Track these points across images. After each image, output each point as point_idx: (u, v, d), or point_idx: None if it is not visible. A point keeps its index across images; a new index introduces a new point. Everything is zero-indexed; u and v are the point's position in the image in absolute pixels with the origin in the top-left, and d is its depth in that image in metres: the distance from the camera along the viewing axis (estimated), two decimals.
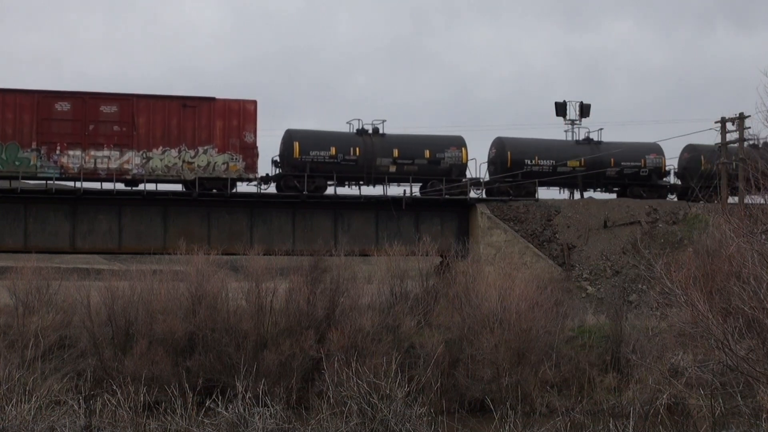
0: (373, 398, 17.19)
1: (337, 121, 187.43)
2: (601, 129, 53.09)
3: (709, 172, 49.37)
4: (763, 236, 23.43)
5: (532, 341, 35.69)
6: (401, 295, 41.09)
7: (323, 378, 22.21)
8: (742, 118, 43.86)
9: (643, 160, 52.23)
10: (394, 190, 48.66)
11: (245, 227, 47.06)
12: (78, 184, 44.68)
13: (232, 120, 45.72)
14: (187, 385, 21.04)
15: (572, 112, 53.90)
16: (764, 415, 19.54)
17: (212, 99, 45.79)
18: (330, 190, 47.92)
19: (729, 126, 44.67)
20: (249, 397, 17.87)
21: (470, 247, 47.24)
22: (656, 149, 52.71)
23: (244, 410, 17.65)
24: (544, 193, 51.35)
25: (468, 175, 49.42)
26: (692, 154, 52.87)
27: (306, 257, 42.30)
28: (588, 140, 52.59)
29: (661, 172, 52.76)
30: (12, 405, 17.79)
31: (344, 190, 48.75)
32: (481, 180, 49.83)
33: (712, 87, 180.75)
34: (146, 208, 45.99)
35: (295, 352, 35.54)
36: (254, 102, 46.17)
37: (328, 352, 34.52)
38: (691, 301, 22.17)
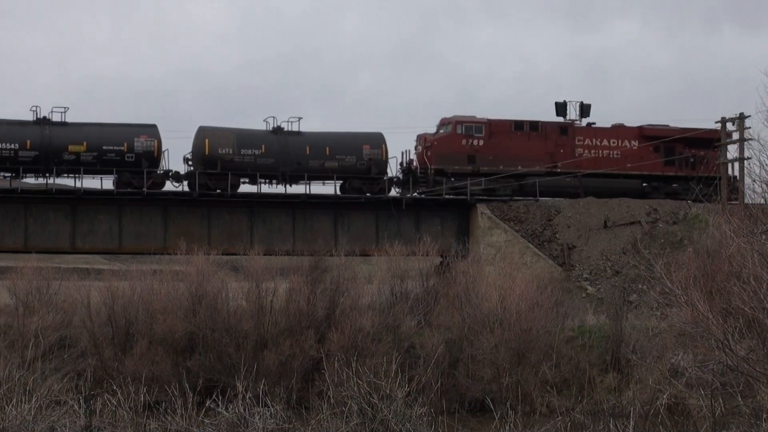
0: (373, 398, 17.17)
1: (338, 122, 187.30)
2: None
3: None
4: (764, 236, 23.42)
5: (532, 341, 35.66)
6: (401, 295, 41.06)
7: (323, 378, 22.19)
8: (742, 118, 43.81)
9: None
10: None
11: (245, 227, 47.03)
12: (78, 184, 44.63)
13: None
14: (187, 385, 20.98)
15: (572, 111, 53.88)
16: (764, 415, 19.52)
17: None
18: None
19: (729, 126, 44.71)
20: (249, 397, 17.85)
21: (470, 247, 47.17)
22: None
23: (244, 410, 17.64)
24: None
25: None
26: None
27: (306, 257, 42.25)
28: None
29: None
30: (12, 405, 17.78)
31: None
32: None
33: (718, 87, 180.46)
34: (146, 208, 45.95)
35: (295, 352, 35.52)
36: None
37: (328, 352, 34.50)
38: (691, 301, 22.18)
